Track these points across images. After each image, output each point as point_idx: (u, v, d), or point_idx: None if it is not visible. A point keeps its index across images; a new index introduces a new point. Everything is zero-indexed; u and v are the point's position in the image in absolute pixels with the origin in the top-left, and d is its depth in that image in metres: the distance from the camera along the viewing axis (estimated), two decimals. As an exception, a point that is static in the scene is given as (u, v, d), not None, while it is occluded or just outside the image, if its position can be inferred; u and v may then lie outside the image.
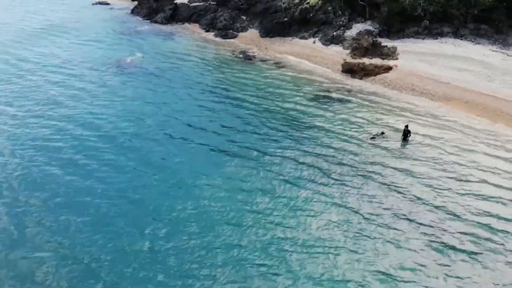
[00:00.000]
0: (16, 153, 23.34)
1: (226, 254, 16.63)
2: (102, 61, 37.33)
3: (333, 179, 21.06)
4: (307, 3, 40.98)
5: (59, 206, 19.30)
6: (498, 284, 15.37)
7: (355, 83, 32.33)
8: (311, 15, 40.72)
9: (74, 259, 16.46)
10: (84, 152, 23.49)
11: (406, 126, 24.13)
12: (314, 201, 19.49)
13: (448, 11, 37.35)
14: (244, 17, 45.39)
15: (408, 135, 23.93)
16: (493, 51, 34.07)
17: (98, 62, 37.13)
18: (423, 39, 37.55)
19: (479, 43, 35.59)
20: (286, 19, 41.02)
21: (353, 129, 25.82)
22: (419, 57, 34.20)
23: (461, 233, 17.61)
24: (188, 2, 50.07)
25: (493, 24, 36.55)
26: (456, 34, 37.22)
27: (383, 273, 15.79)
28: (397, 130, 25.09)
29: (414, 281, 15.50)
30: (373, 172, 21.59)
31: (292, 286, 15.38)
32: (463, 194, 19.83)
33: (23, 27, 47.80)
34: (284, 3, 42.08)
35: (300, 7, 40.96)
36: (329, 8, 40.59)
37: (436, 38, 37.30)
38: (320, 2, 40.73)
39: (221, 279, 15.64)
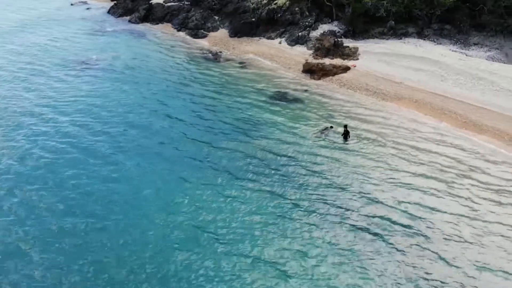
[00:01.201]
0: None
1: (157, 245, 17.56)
2: (69, 58, 37.98)
3: (273, 169, 22.18)
4: (275, 3, 41.28)
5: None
6: (412, 266, 16.43)
7: (313, 82, 32.67)
8: (279, 15, 41.01)
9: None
10: (41, 142, 24.80)
11: (345, 126, 24.61)
12: (250, 190, 20.58)
13: (412, 11, 37.66)
14: (216, 17, 45.69)
15: (348, 135, 24.33)
16: (452, 51, 34.39)
17: (66, 59, 37.82)
18: (387, 39, 37.85)
19: (440, 43, 35.93)
20: (253, 19, 41.33)
21: (302, 125, 26.53)
22: (378, 57, 34.49)
23: (384, 219, 18.68)
24: (164, 2, 50.43)
25: (456, 24, 36.87)
26: (420, 35, 37.55)
27: (301, 253, 17.03)
28: (342, 127, 25.52)
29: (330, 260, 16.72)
30: (311, 163, 22.64)
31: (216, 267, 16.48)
32: (393, 184, 20.80)
33: None
34: (252, 3, 42.37)
35: (267, 7, 41.25)
36: (296, 8, 40.86)
37: (401, 39, 37.62)
38: (287, 2, 41.03)
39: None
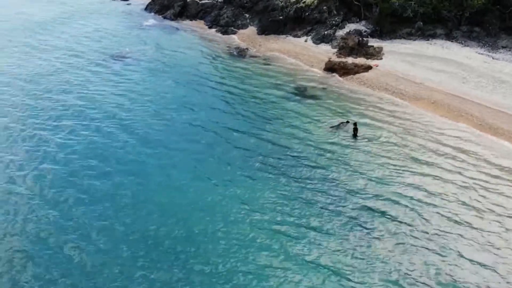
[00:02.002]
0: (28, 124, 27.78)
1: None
2: (108, 49, 40.96)
3: (287, 155, 24.00)
4: (303, 2, 41.90)
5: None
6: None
7: (333, 80, 33.25)
8: (307, 14, 41.62)
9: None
10: (82, 120, 28.19)
11: (355, 124, 25.23)
12: (265, 171, 22.61)
13: (441, 12, 37.32)
14: (247, 15, 46.80)
15: (356, 131, 24.95)
16: (479, 53, 33.95)
17: (105, 49, 40.81)
18: (414, 40, 37.71)
19: (468, 46, 35.46)
20: (281, 17, 42.12)
21: (316, 119, 27.75)
22: (402, 58, 34.54)
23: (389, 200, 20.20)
24: (198, -1, 52.09)
25: (485, 26, 36.25)
26: (449, 36, 37.18)
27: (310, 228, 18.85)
28: (359, 122, 26.37)
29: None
30: (322, 152, 24.16)
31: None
32: (400, 172, 22.14)
33: (38, 17, 51.94)
34: (281, 1, 43.18)
35: (295, 6, 41.95)
36: (324, 7, 41.33)
37: (428, 40, 37.38)
38: (316, 1, 41.56)
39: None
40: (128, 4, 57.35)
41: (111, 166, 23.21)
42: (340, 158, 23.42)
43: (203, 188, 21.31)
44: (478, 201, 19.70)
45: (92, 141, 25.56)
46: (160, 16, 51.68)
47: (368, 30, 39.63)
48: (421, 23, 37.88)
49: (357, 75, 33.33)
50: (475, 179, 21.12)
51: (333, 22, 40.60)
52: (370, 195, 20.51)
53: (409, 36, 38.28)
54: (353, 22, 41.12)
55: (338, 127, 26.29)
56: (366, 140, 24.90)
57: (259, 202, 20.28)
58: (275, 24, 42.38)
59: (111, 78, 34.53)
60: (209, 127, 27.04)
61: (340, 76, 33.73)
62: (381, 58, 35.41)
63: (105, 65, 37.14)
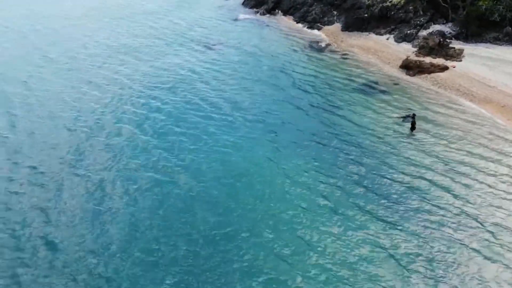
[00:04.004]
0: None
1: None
2: (203, 39, 46.03)
3: (348, 138, 26.19)
4: (390, 1, 42.86)
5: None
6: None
7: (406, 78, 34.21)
8: (392, 13, 42.54)
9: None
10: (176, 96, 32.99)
11: (413, 118, 26.30)
12: (334, 160, 24.34)
13: (533, 18, 36.21)
14: (335, 12, 48.78)
15: (414, 125, 26.15)
16: None
17: (200, 39, 45.98)
18: (500, 45, 36.97)
19: (559, 53, 34.09)
20: (366, 15, 43.50)
21: (380, 111, 29.33)
22: (482, 61, 34.29)
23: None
24: (293, -5, 55.06)
25: None
26: (541, 43, 35.93)
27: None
28: (421, 119, 27.50)
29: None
30: (379, 139, 25.85)
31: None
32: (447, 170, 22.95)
33: (151, 6, 59.32)
34: (368, 0, 44.49)
35: (381, 4, 43.05)
36: (411, 7, 41.92)
37: (516, 45, 36.48)
38: (402, 1, 42.29)
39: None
40: (226, -1, 62.52)
41: (205, 124, 28.23)
42: (392, 147, 24.97)
43: (270, 154, 24.67)
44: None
45: (181, 111, 30.54)
46: (254, 10, 55.75)
47: (453, 32, 39.50)
48: (510, 28, 37.01)
49: (432, 75, 33.91)
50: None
51: (418, 22, 41.07)
52: (411, 181, 22.06)
53: (495, 40, 37.54)
54: (439, 24, 41.13)
55: (405, 118, 27.61)
56: (423, 133, 25.98)
57: (316, 174, 22.89)
58: (359, 22, 43.91)
59: (208, 62, 39.33)
60: (285, 106, 30.60)
61: (415, 74, 34.52)
62: (460, 60, 35.43)
63: (204, 51, 42.32)
